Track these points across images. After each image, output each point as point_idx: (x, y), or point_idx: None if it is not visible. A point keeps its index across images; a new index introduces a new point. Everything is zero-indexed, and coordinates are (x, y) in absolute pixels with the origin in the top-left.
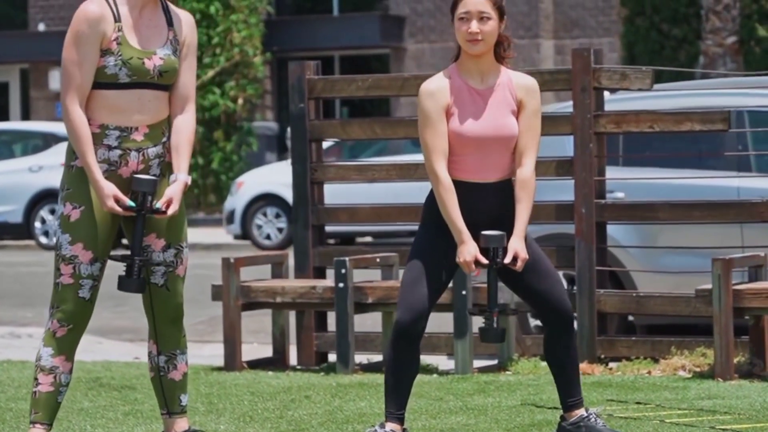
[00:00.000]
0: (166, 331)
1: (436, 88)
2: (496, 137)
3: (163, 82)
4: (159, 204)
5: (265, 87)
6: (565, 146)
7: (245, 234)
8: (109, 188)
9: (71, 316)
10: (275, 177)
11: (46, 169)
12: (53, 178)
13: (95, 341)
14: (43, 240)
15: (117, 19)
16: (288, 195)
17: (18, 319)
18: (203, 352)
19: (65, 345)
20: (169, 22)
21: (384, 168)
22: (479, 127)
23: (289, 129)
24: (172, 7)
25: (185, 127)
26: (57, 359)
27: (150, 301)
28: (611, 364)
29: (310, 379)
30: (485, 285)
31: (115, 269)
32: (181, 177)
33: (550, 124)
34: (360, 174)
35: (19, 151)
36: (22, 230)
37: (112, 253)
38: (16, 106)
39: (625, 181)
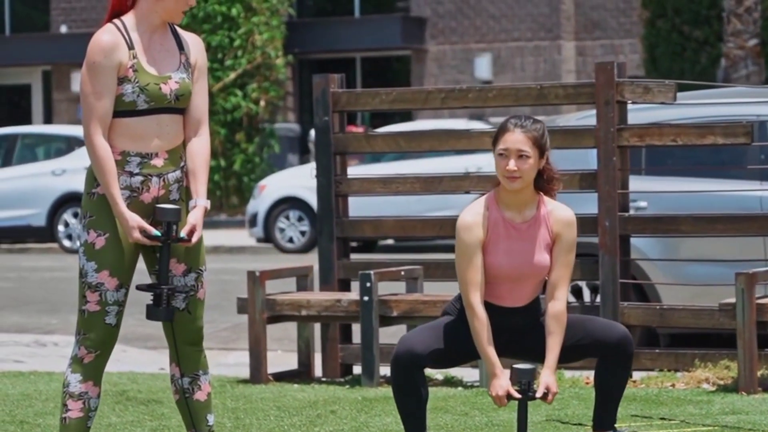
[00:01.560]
0: (187, 354)
1: (473, 222)
2: (530, 273)
3: (180, 105)
4: (183, 233)
5: (287, 89)
6: (588, 159)
7: (268, 237)
8: (134, 220)
9: (98, 343)
10: (297, 180)
11: (69, 172)
12: (76, 182)
13: (120, 349)
14: (66, 243)
15: (130, 46)
16: (310, 198)
17: (43, 326)
18: (228, 360)
19: (93, 370)
20: (180, 46)
21: (408, 181)
22: (514, 263)
23: (311, 131)
24: (179, 30)
25: (201, 151)
26: (85, 385)
27: (171, 324)
28: (635, 375)
29: (336, 393)
30: None
31: (139, 276)
32: (200, 202)
33: (573, 137)
34: (384, 186)
35: (42, 155)
36: (45, 233)
37: (139, 283)
38: (38, 108)
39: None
